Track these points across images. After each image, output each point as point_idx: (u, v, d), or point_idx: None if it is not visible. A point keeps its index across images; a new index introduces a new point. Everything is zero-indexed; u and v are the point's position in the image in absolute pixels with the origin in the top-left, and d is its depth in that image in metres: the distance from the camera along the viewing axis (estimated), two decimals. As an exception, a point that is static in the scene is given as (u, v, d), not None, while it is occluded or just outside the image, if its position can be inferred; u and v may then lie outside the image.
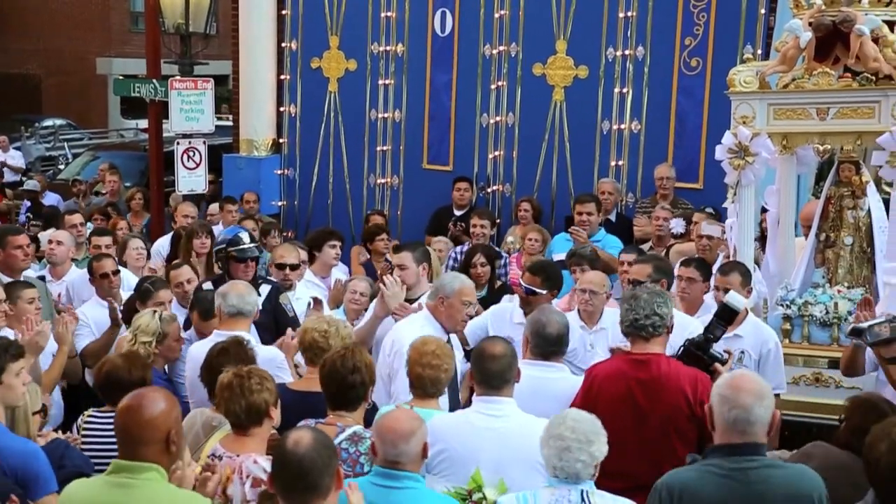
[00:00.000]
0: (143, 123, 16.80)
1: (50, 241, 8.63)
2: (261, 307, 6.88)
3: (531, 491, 4.17)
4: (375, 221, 10.37)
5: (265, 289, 7.18)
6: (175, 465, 3.90)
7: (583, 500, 4.00)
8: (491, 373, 4.76)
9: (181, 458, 4.10)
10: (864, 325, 4.96)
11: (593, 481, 4.11)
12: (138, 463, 3.73)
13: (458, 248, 9.59)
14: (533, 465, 4.45)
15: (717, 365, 5.30)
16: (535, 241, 9.28)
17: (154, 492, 3.73)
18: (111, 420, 4.74)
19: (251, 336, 6.02)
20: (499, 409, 4.71)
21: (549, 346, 5.36)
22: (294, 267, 7.68)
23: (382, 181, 12.30)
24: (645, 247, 8.98)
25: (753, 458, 3.90)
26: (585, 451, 4.05)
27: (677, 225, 9.05)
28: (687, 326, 6.05)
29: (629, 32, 10.66)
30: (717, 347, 5.41)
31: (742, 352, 6.17)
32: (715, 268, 6.99)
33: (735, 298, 5.57)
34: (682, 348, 5.41)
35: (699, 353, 5.32)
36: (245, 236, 7.53)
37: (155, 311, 6.44)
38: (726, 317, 5.49)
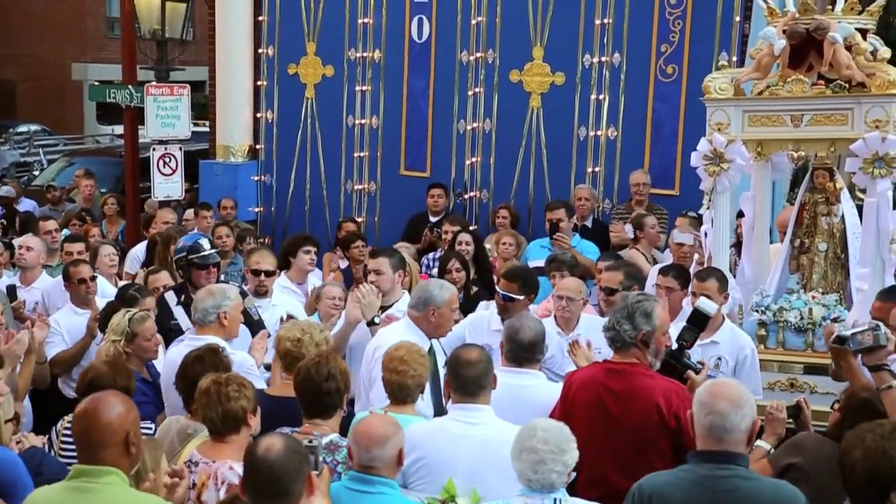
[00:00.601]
0: (119, 129, 16.73)
1: (20, 247, 8.58)
2: None
3: (504, 500, 4.17)
4: (348, 229, 10.37)
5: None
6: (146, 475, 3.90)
7: None
8: (466, 379, 4.76)
9: (157, 465, 4.10)
10: (847, 332, 4.99)
11: (565, 487, 4.12)
12: (98, 467, 3.73)
13: (432, 255, 9.59)
14: (511, 472, 4.44)
15: (691, 373, 5.31)
16: (510, 246, 9.26)
17: (114, 495, 3.73)
18: None
19: (223, 342, 5.96)
20: (476, 417, 4.70)
21: (521, 351, 5.35)
22: (269, 273, 7.65)
23: (360, 187, 12.28)
24: (624, 253, 8.99)
25: (726, 467, 3.90)
26: (559, 462, 4.06)
27: (627, 231, 9.12)
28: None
29: (606, 39, 10.69)
30: (694, 357, 5.42)
31: (719, 358, 6.19)
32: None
33: (706, 304, 5.59)
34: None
35: (672, 362, 5.32)
36: (205, 242, 7.52)
37: (127, 311, 6.36)
38: (698, 322, 5.52)
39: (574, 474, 4.20)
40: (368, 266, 7.10)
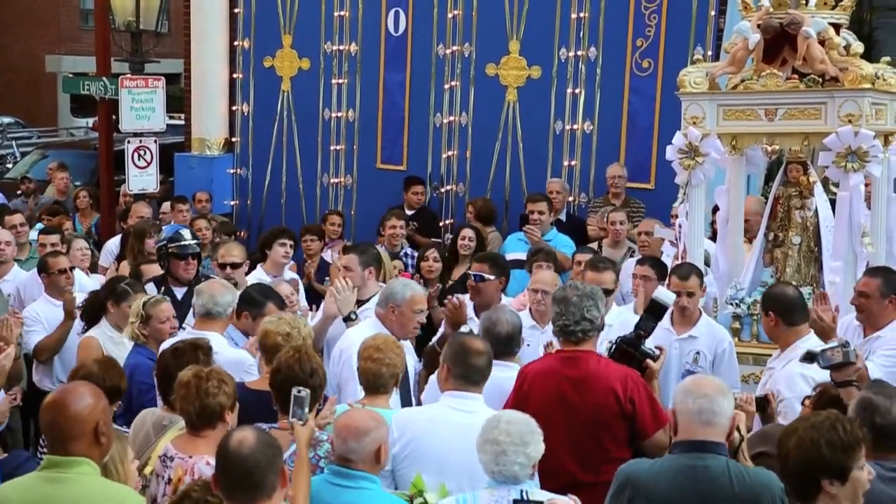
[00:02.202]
0: (93, 122, 16.62)
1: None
2: None
3: (471, 493, 4.19)
4: (332, 221, 10.41)
5: None
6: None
7: (522, 498, 4.00)
8: (475, 368, 4.82)
9: (124, 457, 4.09)
10: (817, 349, 5.04)
11: (533, 480, 4.14)
12: (69, 458, 3.73)
13: (411, 251, 9.59)
14: None
15: (649, 361, 5.34)
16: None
17: (86, 485, 3.73)
18: None
19: (221, 338, 5.92)
20: (470, 405, 4.75)
21: (498, 344, 5.35)
22: (236, 265, 7.65)
23: (336, 181, 12.26)
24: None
25: (708, 456, 3.94)
26: (522, 453, 4.06)
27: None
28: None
29: (581, 33, 10.71)
30: (649, 344, 5.46)
31: (697, 352, 6.23)
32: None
33: (664, 294, 5.64)
34: (613, 345, 5.45)
35: (631, 350, 5.36)
36: (186, 233, 7.51)
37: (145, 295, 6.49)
38: (656, 312, 5.53)
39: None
40: (340, 262, 7.11)
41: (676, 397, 4.07)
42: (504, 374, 5.30)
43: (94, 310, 6.82)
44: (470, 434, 4.44)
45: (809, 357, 5.03)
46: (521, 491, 4.03)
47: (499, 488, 4.06)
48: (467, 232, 9.08)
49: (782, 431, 3.84)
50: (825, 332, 5.76)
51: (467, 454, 4.41)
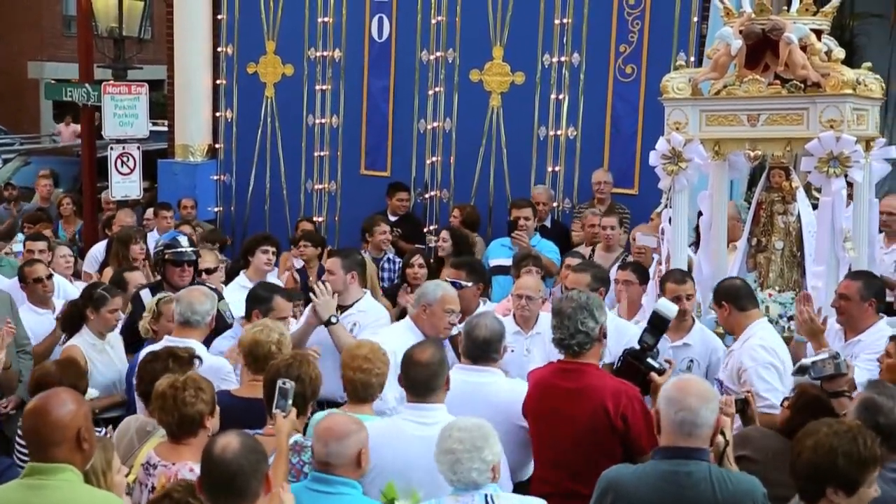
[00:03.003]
0: (76, 129, 16.56)
1: None
2: None
3: (436, 500, 4.16)
4: (303, 227, 10.39)
5: None
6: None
7: (487, 503, 4.00)
8: (416, 381, 4.74)
9: (108, 466, 4.07)
10: (808, 361, 5.06)
11: (496, 483, 4.11)
12: (51, 465, 3.72)
13: (391, 256, 9.58)
14: None
15: (654, 375, 5.32)
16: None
17: (69, 492, 3.71)
18: None
19: (201, 346, 5.88)
20: (430, 417, 4.66)
21: (475, 348, 5.34)
22: (210, 271, 7.65)
23: (320, 187, 12.24)
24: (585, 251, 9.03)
25: (690, 462, 3.94)
26: (477, 459, 4.04)
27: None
28: (625, 332, 6.12)
29: (565, 39, 10.74)
30: (659, 358, 5.43)
31: (691, 360, 6.23)
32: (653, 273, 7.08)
33: (665, 306, 5.57)
34: (620, 358, 5.44)
35: (636, 364, 5.33)
36: (183, 240, 7.51)
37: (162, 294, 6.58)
38: (658, 324, 5.49)
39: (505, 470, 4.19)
40: (325, 265, 7.11)
41: (660, 403, 4.05)
42: (483, 380, 5.27)
43: (73, 319, 6.79)
44: (429, 447, 4.43)
45: (801, 370, 5.04)
46: (486, 496, 4.02)
47: (463, 494, 4.06)
48: (443, 234, 9.12)
49: (802, 431, 3.80)
50: (814, 334, 5.81)
51: (428, 467, 4.38)
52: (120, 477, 4.16)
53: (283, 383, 4.51)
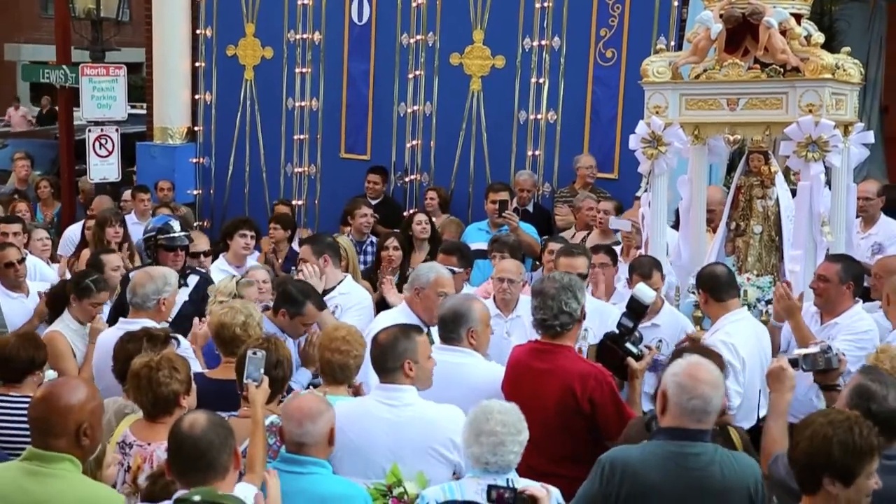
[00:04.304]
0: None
1: None
2: (188, 297, 6.85)
3: (456, 482, 4.20)
4: (278, 210, 10.37)
5: (193, 279, 7.09)
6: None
7: (508, 486, 4.01)
8: (373, 360, 4.76)
9: (101, 461, 4.06)
10: (800, 354, 5.05)
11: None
12: (52, 453, 3.70)
13: (368, 240, 9.57)
14: (426, 451, 4.50)
15: (630, 360, 5.33)
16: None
17: (68, 483, 3.69)
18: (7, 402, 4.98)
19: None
20: (396, 399, 4.64)
21: (440, 328, 5.34)
22: (207, 253, 7.64)
23: (299, 170, 12.20)
24: (568, 235, 9.03)
25: (695, 444, 3.94)
26: (517, 442, 4.11)
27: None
28: (608, 314, 6.16)
29: (545, 23, 10.72)
30: (641, 344, 5.45)
31: (660, 340, 6.25)
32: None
33: (643, 291, 5.57)
34: (600, 342, 5.46)
35: (615, 348, 5.35)
36: (176, 224, 7.45)
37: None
38: (636, 309, 5.50)
39: None
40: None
41: (670, 387, 3.99)
42: (460, 360, 5.22)
43: (58, 299, 6.74)
44: (395, 427, 4.45)
45: (792, 363, 5.05)
46: (507, 479, 4.05)
47: (484, 477, 4.07)
48: (421, 217, 9.14)
49: (802, 421, 3.78)
50: (791, 311, 5.90)
51: (393, 447, 4.44)
52: (111, 470, 4.16)
53: (254, 352, 4.50)
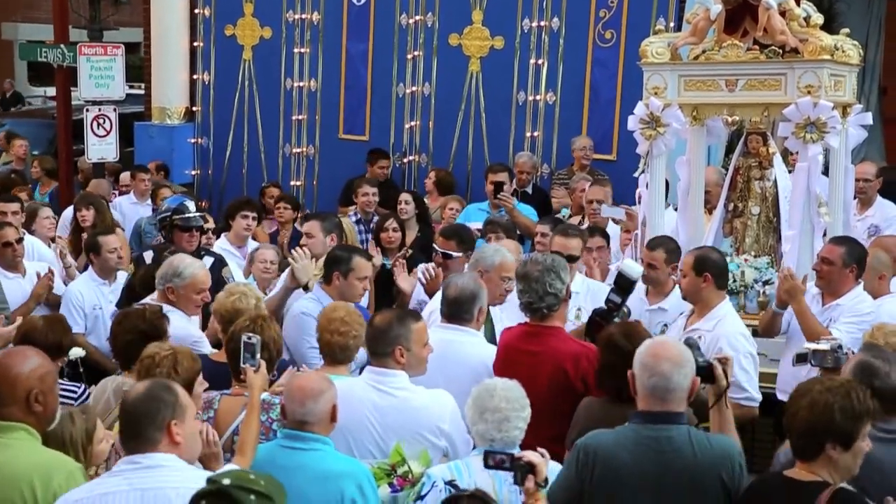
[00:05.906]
0: (52, 91, 16.41)
1: None
2: None
3: (462, 461, 4.23)
4: (271, 194, 10.38)
5: (208, 261, 7.05)
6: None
7: (504, 451, 4.01)
8: (367, 340, 4.78)
9: (90, 434, 4.06)
10: (808, 349, 5.06)
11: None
12: (4, 423, 3.71)
13: (374, 217, 9.56)
14: (413, 436, 4.52)
15: None
16: (456, 211, 9.24)
17: (20, 450, 3.70)
18: None
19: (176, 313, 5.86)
20: (385, 383, 4.65)
21: (446, 307, 5.32)
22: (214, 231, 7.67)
23: (298, 151, 12.19)
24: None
25: (669, 427, 3.95)
26: (521, 418, 4.17)
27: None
28: (602, 294, 6.14)
29: (544, 4, 10.70)
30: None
31: (665, 324, 6.23)
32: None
33: (629, 266, 5.60)
34: (589, 319, 5.48)
35: (603, 323, 5.36)
36: (191, 205, 7.43)
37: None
38: (623, 284, 5.51)
39: None
40: (302, 230, 7.09)
41: (635, 367, 4.03)
42: (457, 338, 5.22)
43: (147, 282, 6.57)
44: (382, 411, 4.48)
45: (801, 358, 5.07)
46: (512, 454, 4.03)
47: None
48: (404, 196, 9.15)
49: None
50: (793, 293, 5.91)
51: (380, 430, 4.48)
52: (102, 446, 4.15)
53: (249, 338, 4.53)
